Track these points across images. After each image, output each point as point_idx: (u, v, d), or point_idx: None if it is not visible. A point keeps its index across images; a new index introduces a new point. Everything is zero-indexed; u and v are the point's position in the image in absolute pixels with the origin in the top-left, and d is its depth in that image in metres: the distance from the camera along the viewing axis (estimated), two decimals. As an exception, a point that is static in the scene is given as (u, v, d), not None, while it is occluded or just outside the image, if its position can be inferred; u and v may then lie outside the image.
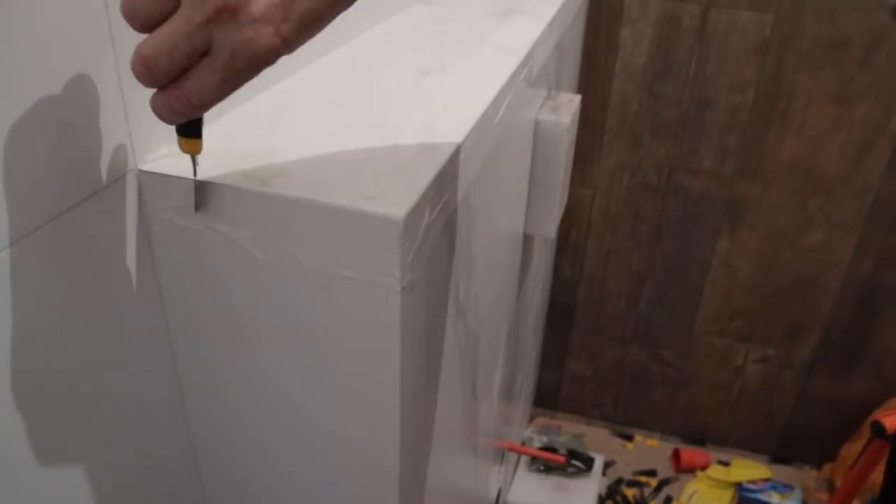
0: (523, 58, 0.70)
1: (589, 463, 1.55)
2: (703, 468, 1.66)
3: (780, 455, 1.70)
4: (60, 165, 0.38)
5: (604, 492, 1.60)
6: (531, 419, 1.77)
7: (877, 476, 1.21)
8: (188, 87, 0.35)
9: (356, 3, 0.36)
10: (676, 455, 1.68)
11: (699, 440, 1.74)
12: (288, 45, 0.35)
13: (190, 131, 0.40)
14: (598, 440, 1.73)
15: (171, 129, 0.39)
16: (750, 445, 1.71)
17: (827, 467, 1.62)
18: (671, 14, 1.28)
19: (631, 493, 1.62)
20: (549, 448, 1.56)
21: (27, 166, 0.36)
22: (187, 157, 0.42)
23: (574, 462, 1.54)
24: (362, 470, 0.52)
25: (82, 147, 0.39)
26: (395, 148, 0.49)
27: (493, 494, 1.24)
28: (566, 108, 0.90)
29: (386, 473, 0.51)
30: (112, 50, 0.40)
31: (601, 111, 1.40)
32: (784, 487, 1.60)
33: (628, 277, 1.58)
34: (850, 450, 1.52)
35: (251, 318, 0.47)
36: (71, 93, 0.38)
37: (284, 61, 0.36)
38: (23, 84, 0.35)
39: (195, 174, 0.43)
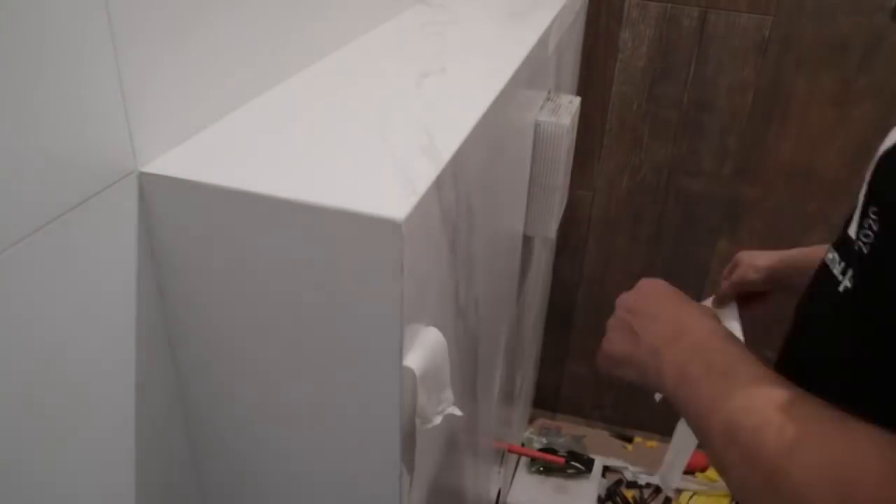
0: (523, 59, 0.70)
1: (588, 464, 1.55)
2: (703, 470, 1.66)
3: (779, 456, 1.69)
4: (61, 167, 0.38)
5: (603, 493, 1.60)
6: (531, 420, 1.77)
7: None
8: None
9: (357, 4, 0.37)
10: (676, 456, 1.67)
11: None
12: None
13: None
14: (598, 442, 1.73)
15: (172, 132, 0.39)
16: (749, 447, 1.70)
17: (826, 469, 1.62)
18: (671, 16, 1.29)
19: (630, 494, 1.61)
20: (549, 449, 1.56)
21: (28, 167, 0.36)
22: (188, 159, 0.42)
23: (573, 463, 1.54)
24: (362, 470, 0.52)
25: (83, 148, 0.39)
26: (395, 150, 0.49)
27: (493, 495, 1.25)
28: (566, 110, 0.90)
29: (386, 474, 0.51)
30: (113, 51, 0.40)
31: (601, 113, 1.40)
32: (783, 489, 1.59)
33: (628, 278, 1.57)
34: (850, 451, 1.52)
35: (251, 319, 0.47)
36: (72, 94, 0.38)
37: (285, 62, 0.36)
38: (24, 85, 0.35)
39: None
